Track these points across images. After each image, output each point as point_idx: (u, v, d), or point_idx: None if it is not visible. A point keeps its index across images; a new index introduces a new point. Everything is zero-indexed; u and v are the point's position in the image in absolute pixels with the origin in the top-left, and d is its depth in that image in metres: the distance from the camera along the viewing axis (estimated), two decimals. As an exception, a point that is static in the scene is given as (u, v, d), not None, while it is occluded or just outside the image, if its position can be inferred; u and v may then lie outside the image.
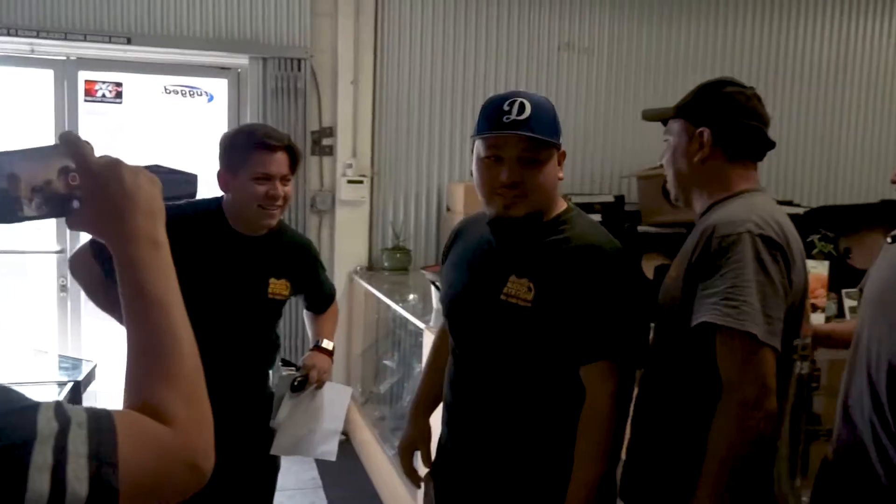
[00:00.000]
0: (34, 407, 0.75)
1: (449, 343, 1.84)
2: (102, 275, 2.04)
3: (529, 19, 4.74)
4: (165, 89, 4.38)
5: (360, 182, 4.49)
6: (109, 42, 4.07)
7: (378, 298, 4.20)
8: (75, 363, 3.25)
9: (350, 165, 4.46)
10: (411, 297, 3.84)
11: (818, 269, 2.98)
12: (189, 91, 4.41)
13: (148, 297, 0.85)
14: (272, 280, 2.19)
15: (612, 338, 1.62)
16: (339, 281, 4.45)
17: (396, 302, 3.79)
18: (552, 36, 4.79)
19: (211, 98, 4.46)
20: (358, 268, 4.53)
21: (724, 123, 1.67)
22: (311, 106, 4.41)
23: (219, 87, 4.46)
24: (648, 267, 4.44)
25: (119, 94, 4.28)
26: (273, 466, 2.33)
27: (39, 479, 0.71)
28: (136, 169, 0.88)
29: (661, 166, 1.87)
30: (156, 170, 0.91)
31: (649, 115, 1.87)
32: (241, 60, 4.34)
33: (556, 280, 1.62)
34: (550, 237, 1.65)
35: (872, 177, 5.32)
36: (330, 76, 4.47)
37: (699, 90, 1.74)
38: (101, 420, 0.77)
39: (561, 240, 1.66)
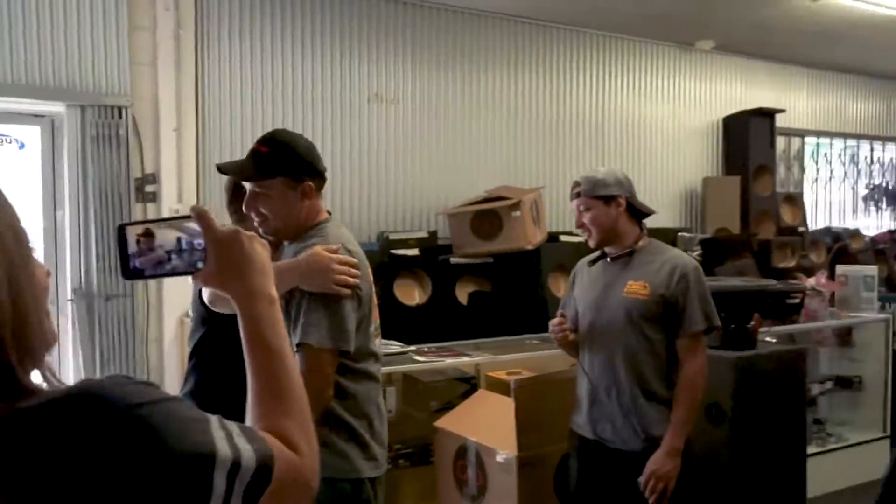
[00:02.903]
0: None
1: None
2: None
3: (341, 72, 5.13)
4: (-30, 136, 4.18)
5: (188, 227, 4.57)
6: None
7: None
8: None
9: (177, 211, 4.53)
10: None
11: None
12: (-3, 138, 4.24)
13: (268, 348, 1.00)
14: None
15: None
16: (168, 326, 4.50)
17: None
18: (362, 87, 5.22)
19: (22, 146, 4.32)
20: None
21: (316, 173, 2.24)
22: (133, 153, 4.42)
23: (31, 134, 4.33)
24: (462, 293, 4.99)
25: (-83, 142, 4.02)
26: None
27: (223, 447, 0.83)
28: (252, 235, 1.05)
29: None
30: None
31: (228, 170, 2.33)
32: (56, 108, 4.26)
33: None
34: None
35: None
36: (151, 123, 4.51)
37: (283, 148, 2.19)
38: (250, 429, 0.91)
39: None
